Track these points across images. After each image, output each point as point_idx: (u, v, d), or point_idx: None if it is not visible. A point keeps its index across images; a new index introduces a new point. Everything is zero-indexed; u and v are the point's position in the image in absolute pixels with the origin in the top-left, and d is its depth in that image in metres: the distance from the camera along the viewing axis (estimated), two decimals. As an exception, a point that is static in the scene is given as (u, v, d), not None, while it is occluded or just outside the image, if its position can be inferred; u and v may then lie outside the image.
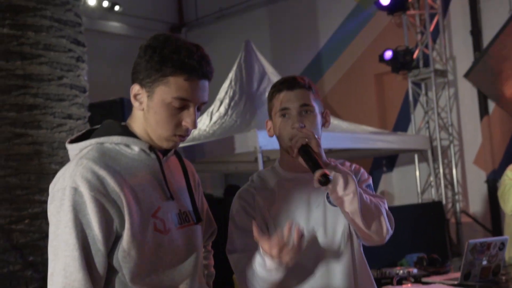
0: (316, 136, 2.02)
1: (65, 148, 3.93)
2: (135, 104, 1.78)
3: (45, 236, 3.79)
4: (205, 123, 7.51)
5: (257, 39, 9.00)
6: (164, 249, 1.74)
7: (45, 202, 3.81)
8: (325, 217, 2.11)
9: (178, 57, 1.69)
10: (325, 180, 1.85)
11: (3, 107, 3.91)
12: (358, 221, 1.96)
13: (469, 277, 3.55)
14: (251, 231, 2.01)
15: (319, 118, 2.16)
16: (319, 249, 2.11)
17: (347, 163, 2.24)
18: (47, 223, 3.83)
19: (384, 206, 2.10)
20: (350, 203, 1.94)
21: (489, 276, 3.61)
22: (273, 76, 7.80)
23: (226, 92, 7.74)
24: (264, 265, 1.87)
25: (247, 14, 11.14)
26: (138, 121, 1.80)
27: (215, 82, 7.36)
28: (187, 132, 1.77)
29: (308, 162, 1.94)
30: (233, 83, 7.80)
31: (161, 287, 1.74)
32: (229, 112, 7.46)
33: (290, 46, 10.49)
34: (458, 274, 3.66)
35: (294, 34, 10.50)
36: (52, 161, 4.02)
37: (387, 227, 2.04)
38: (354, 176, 2.01)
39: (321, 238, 2.11)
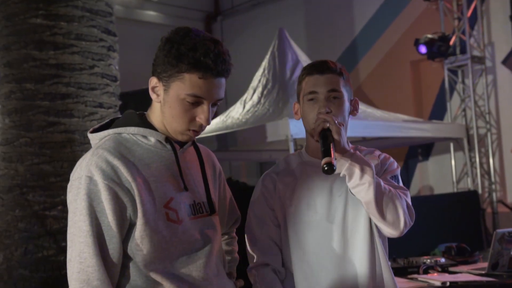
0: (339, 123, 1.98)
1: None
2: (153, 96, 1.80)
3: None
4: (238, 112, 7.56)
5: (291, 27, 9.02)
6: (177, 239, 1.76)
7: None
8: (346, 206, 2.08)
9: (194, 54, 1.69)
10: (328, 168, 1.83)
11: (37, 96, 3.96)
12: (373, 211, 1.95)
13: (497, 267, 3.50)
14: (268, 222, 2.07)
15: (347, 105, 2.13)
16: (339, 238, 2.09)
17: (377, 152, 2.22)
18: None
19: (405, 198, 2.06)
20: (366, 193, 1.92)
21: None
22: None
23: (259, 81, 7.75)
24: None
25: (282, 1, 11.13)
26: (156, 112, 1.83)
27: (249, 70, 7.47)
28: (200, 127, 1.79)
29: (321, 148, 1.91)
30: (266, 71, 7.78)
31: (174, 274, 1.76)
32: (262, 101, 7.47)
33: (325, 34, 10.47)
34: (486, 264, 3.61)
35: (329, 21, 10.48)
36: (84, 149, 3.99)
37: (405, 219, 1.99)
38: (373, 166, 1.98)
39: (341, 227, 2.09)
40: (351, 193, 2.03)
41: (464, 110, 8.65)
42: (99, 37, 4.18)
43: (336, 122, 1.97)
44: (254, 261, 2.11)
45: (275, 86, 7.52)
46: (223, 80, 1.77)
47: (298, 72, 7.61)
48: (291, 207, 2.12)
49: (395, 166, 2.20)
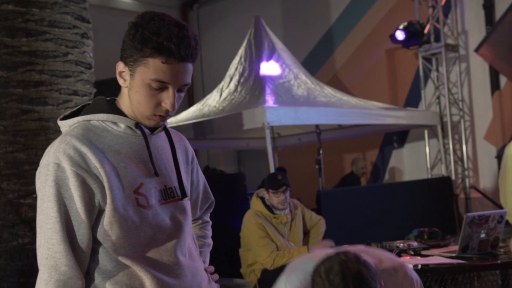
0: None
1: None
2: (120, 81, 1.78)
3: None
4: (215, 100, 7.54)
5: (268, 15, 9.01)
6: (147, 224, 1.75)
7: None
8: None
9: (157, 39, 1.67)
10: None
11: (10, 83, 3.94)
12: None
13: (467, 249, 3.57)
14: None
15: None
16: None
17: (402, 274, 2.23)
18: None
19: None
20: None
21: (488, 248, 3.62)
22: (283, 52, 7.85)
23: (236, 69, 7.75)
24: None
25: (258, -11, 11.18)
26: (124, 98, 1.81)
27: (226, 58, 7.48)
28: (167, 113, 1.77)
29: None
30: (243, 59, 7.78)
31: (145, 258, 1.76)
32: (239, 89, 7.47)
33: (301, 22, 10.49)
34: (457, 247, 3.68)
35: (305, 10, 10.48)
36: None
37: None
38: None
39: None
40: None
41: (438, 97, 8.75)
42: (72, 24, 4.15)
43: None
44: None
45: (251, 74, 7.52)
46: (188, 65, 1.74)
47: (274, 59, 7.66)
48: None
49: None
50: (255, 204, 5.04)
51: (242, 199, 6.62)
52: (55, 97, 4.01)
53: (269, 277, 4.57)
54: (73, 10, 4.14)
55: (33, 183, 3.75)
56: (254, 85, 7.36)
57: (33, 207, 3.85)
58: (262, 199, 5.02)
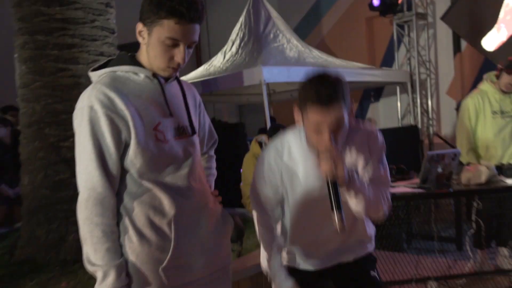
0: (339, 157, 1.84)
1: None
2: (139, 39, 1.79)
3: None
4: (219, 61, 7.55)
5: None
6: (165, 154, 1.79)
7: None
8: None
9: (171, 3, 1.68)
10: (342, 230, 1.80)
11: (47, 46, 3.95)
12: (362, 212, 2.00)
13: (426, 181, 3.64)
14: (272, 186, 2.10)
15: (347, 119, 1.91)
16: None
17: (369, 129, 2.11)
18: None
19: (386, 193, 2.05)
20: (356, 206, 1.95)
21: (443, 180, 3.67)
22: (277, 20, 7.82)
23: (237, 34, 7.72)
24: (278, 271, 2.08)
25: (256, -34, 11.04)
26: (143, 53, 1.81)
27: (228, 26, 7.43)
28: (178, 65, 1.78)
29: (332, 197, 1.82)
30: (243, 26, 7.75)
31: (163, 182, 1.79)
32: (240, 51, 7.46)
33: None
34: (418, 180, 3.75)
35: None
36: None
37: (383, 213, 2.03)
38: (365, 186, 1.94)
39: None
40: None
41: (409, 59, 8.70)
42: None
43: (340, 164, 1.82)
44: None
45: (250, 39, 7.51)
46: (196, 25, 1.76)
47: (270, 26, 7.65)
48: (293, 187, 2.09)
49: (381, 146, 2.10)
50: (254, 147, 5.16)
51: (242, 144, 6.73)
52: (85, 57, 4.03)
53: None
54: None
55: (70, 129, 3.84)
56: (253, 48, 7.35)
57: (70, 148, 3.92)
58: (260, 143, 5.14)
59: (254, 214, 2.24)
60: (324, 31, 9.95)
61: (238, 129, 7.07)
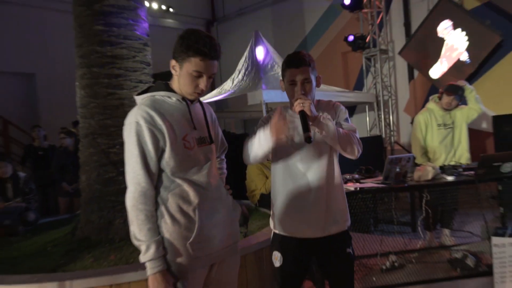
0: (307, 100, 1.94)
1: None
2: (172, 71, 1.82)
3: None
4: (229, 85, 7.55)
5: (263, 30, 8.95)
6: (190, 158, 1.81)
7: None
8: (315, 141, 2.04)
9: (197, 46, 1.72)
10: (308, 140, 1.88)
11: (100, 76, 3.92)
12: (337, 147, 2.02)
13: (387, 178, 3.66)
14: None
15: (314, 84, 2.08)
16: (308, 154, 2.09)
17: (331, 102, 2.20)
18: None
19: (355, 135, 2.07)
20: (331, 140, 1.99)
21: (400, 178, 3.69)
22: (274, 54, 7.80)
23: (243, 65, 7.74)
24: (265, 131, 1.95)
25: (257, 12, 11.02)
26: (175, 82, 1.84)
27: (236, 58, 7.48)
28: (202, 91, 1.80)
29: (302, 122, 1.93)
30: (247, 58, 7.78)
31: (189, 179, 1.80)
32: (244, 78, 7.47)
33: (285, 34, 10.39)
34: (381, 178, 3.78)
35: (288, 26, 10.40)
36: (131, 110, 4.03)
37: (357, 149, 2.04)
38: (332, 121, 1.98)
39: (308, 150, 2.10)
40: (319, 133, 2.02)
41: (375, 84, 8.71)
42: (138, 37, 4.09)
43: (307, 101, 1.94)
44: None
45: (253, 69, 7.54)
46: (215, 62, 1.78)
47: (268, 59, 7.62)
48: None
49: (344, 111, 2.18)
50: None
51: (230, 155, 6.74)
52: (128, 84, 4.01)
53: (264, 198, 4.73)
54: (138, 28, 4.08)
55: (116, 139, 3.91)
56: (255, 76, 7.39)
57: (117, 154, 3.92)
58: None
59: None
60: None
61: (243, 138, 7.05)
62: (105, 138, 3.94)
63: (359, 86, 9.14)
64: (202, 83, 1.78)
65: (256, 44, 7.82)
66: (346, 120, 2.17)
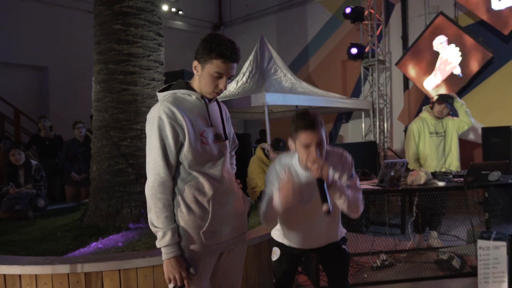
0: (324, 164, 1.89)
1: (151, 98, 4.10)
2: (194, 71, 1.82)
3: (138, 149, 3.97)
4: (234, 87, 7.58)
5: (268, 35, 9.04)
6: (206, 153, 1.82)
7: (139, 129, 4.00)
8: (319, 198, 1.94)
9: (219, 48, 1.73)
10: (327, 214, 1.82)
11: (116, 72, 3.95)
12: (345, 210, 2.03)
13: (383, 181, 3.72)
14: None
15: (325, 142, 2.00)
16: (312, 211, 2.10)
17: (340, 153, 2.12)
18: (140, 141, 4.03)
19: (359, 196, 2.05)
20: (342, 205, 1.99)
21: (395, 181, 3.74)
22: (277, 59, 7.89)
23: (247, 68, 7.78)
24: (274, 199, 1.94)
25: (262, 18, 11.08)
26: (196, 81, 1.85)
27: (241, 62, 7.51)
28: (221, 91, 1.83)
29: (320, 191, 1.86)
30: (251, 62, 7.82)
31: (205, 172, 1.82)
32: (248, 81, 7.51)
33: (288, 40, 10.44)
34: (377, 180, 3.83)
35: (291, 33, 10.44)
36: (143, 105, 4.02)
37: (360, 211, 2.04)
38: (346, 190, 1.95)
39: (313, 205, 2.07)
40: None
41: (371, 92, 8.76)
42: (153, 37, 4.13)
43: (325, 167, 1.88)
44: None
45: (257, 72, 7.58)
46: (235, 64, 1.80)
47: (271, 63, 7.66)
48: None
49: (351, 164, 2.12)
50: (258, 152, 5.20)
51: (248, 149, 6.81)
52: (142, 81, 4.02)
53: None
54: (154, 29, 4.14)
55: (128, 132, 3.96)
56: (258, 79, 7.43)
57: (127, 146, 3.95)
58: (263, 149, 5.19)
59: (263, 199, 2.21)
60: (310, 69, 10.04)
61: (246, 138, 7.12)
62: (117, 131, 3.96)
63: (356, 93, 9.18)
64: (222, 83, 1.81)
65: (261, 48, 7.86)
66: (351, 176, 2.11)
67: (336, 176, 2.02)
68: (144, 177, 4.00)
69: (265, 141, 6.31)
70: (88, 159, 5.98)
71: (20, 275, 2.74)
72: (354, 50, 8.40)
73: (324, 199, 1.83)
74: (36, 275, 2.72)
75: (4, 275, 2.74)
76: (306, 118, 1.97)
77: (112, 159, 3.96)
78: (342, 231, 2.33)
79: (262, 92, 6.44)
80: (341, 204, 1.98)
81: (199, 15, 11.88)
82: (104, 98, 4.01)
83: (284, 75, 7.64)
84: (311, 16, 10.06)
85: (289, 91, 7.13)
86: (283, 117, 9.08)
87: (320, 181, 1.87)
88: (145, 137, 4.18)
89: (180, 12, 10.93)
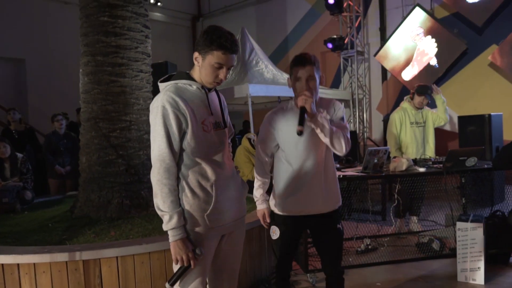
0: (309, 97, 2.04)
1: (139, 89, 4.13)
2: (195, 62, 1.86)
3: (128, 140, 3.96)
4: None
5: (248, 26, 9.02)
6: (208, 140, 1.88)
7: (128, 120, 4.02)
8: (313, 131, 2.17)
9: (220, 40, 1.79)
10: (299, 134, 2.02)
11: (104, 64, 3.93)
12: (328, 144, 2.13)
13: (366, 168, 3.87)
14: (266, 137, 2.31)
15: (317, 81, 2.17)
16: (307, 144, 2.22)
17: (333, 100, 2.29)
18: (129, 132, 4.04)
19: (346, 134, 2.15)
20: (324, 137, 2.11)
21: (378, 168, 3.89)
22: (258, 50, 7.93)
23: None
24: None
25: (242, 10, 11.12)
26: (196, 72, 1.90)
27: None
28: (221, 81, 1.88)
29: (299, 117, 2.05)
30: None
31: (207, 158, 1.89)
32: (231, 72, 7.51)
33: (268, 32, 10.51)
34: (361, 168, 3.98)
35: (271, 24, 10.52)
36: (132, 97, 4.00)
37: (345, 147, 2.14)
38: (328, 121, 2.08)
39: (309, 144, 2.23)
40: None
41: (351, 83, 8.94)
42: (140, 29, 4.10)
43: (309, 99, 2.04)
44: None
45: (238, 64, 7.61)
46: (235, 55, 1.85)
47: (253, 55, 7.67)
48: (282, 132, 2.26)
49: (342, 110, 2.27)
50: (244, 142, 5.27)
51: (232, 140, 6.86)
52: (130, 73, 4.01)
53: (250, 185, 4.93)
54: (141, 21, 4.11)
55: (117, 123, 3.98)
56: (240, 70, 7.47)
57: (117, 137, 3.95)
58: (249, 139, 5.27)
59: (256, 154, 2.39)
60: (290, 60, 9.99)
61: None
62: (106, 123, 3.96)
63: (336, 84, 9.34)
64: (222, 74, 1.86)
65: (242, 40, 7.87)
66: (342, 119, 2.26)
67: (326, 114, 2.14)
68: (133, 168, 4.06)
69: (249, 132, 6.39)
70: (70, 152, 5.98)
71: (18, 264, 2.77)
72: (329, 45, 8.54)
73: (300, 123, 2.02)
74: (34, 263, 2.76)
75: (2, 264, 2.77)
76: (299, 56, 2.18)
77: (102, 150, 3.96)
78: (339, 198, 2.37)
79: (245, 83, 6.51)
80: (323, 137, 2.12)
81: (178, 7, 11.82)
82: (92, 90, 3.99)
83: (266, 67, 7.69)
84: (290, 7, 10.15)
85: (271, 82, 7.21)
86: (264, 108, 9.17)
87: (302, 109, 2.05)
88: (134, 128, 4.19)
89: (159, 4, 10.85)
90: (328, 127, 2.09)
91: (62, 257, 2.78)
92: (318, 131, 2.10)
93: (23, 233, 3.60)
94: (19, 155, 5.00)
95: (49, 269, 2.77)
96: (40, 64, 8.91)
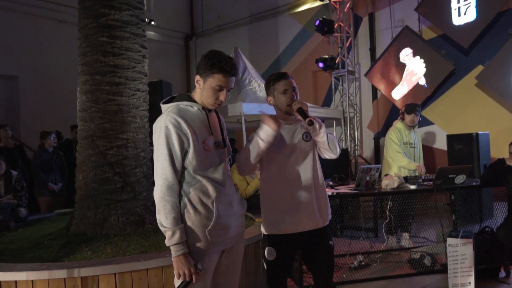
0: (304, 103, 2.19)
1: (136, 108, 4.21)
2: (196, 85, 1.94)
3: (124, 158, 4.02)
4: None
5: (240, 46, 9.13)
6: (209, 159, 1.94)
7: (125, 138, 4.09)
8: (300, 146, 2.29)
9: (221, 64, 1.88)
10: (311, 123, 2.13)
11: (102, 83, 4.00)
12: (325, 145, 2.24)
13: (359, 186, 3.94)
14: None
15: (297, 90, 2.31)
16: (296, 161, 2.28)
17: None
18: (126, 150, 4.10)
19: (337, 140, 2.35)
20: (322, 136, 2.22)
21: (370, 185, 3.96)
22: (251, 70, 7.96)
23: None
24: (262, 129, 2.16)
25: (234, 30, 11.25)
26: (197, 94, 1.98)
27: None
28: (221, 102, 1.96)
29: (302, 115, 2.16)
30: None
31: (207, 176, 1.94)
32: None
33: (261, 51, 10.64)
34: (353, 185, 4.04)
35: (263, 44, 10.66)
36: (129, 115, 4.07)
37: (338, 149, 2.29)
38: (320, 122, 2.25)
39: (298, 156, 2.29)
40: (303, 140, 2.29)
41: (342, 102, 9.04)
42: (138, 49, 4.19)
43: (305, 103, 2.21)
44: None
45: (232, 83, 7.71)
46: (234, 78, 1.95)
47: (246, 74, 7.72)
48: (270, 152, 2.27)
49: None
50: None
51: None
52: (127, 92, 4.07)
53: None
54: (138, 42, 4.19)
55: (114, 141, 4.06)
56: (234, 89, 7.41)
57: (114, 155, 4.00)
58: None
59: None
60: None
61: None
62: (104, 141, 4.02)
63: (327, 102, 9.46)
64: (222, 95, 1.95)
65: (235, 59, 7.85)
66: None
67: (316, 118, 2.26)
68: (129, 185, 4.12)
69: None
70: (60, 169, 5.98)
71: (16, 281, 2.80)
72: (320, 65, 8.69)
73: (305, 118, 2.14)
74: (32, 280, 2.80)
75: (0, 282, 2.79)
76: (278, 72, 2.35)
77: (99, 168, 4.01)
78: (329, 210, 2.41)
79: (238, 102, 6.59)
80: (321, 138, 2.24)
81: (171, 26, 11.97)
82: (90, 108, 4.06)
83: (259, 85, 7.74)
84: (283, 27, 10.33)
85: (264, 101, 7.02)
86: (257, 126, 9.23)
87: (300, 109, 2.18)
88: (131, 146, 4.25)
89: (153, 23, 10.99)
90: (324, 129, 2.24)
91: (60, 273, 2.82)
92: (317, 133, 2.21)
93: (19, 251, 3.62)
94: (14, 172, 5.02)
95: (47, 286, 2.81)
96: (33, 81, 8.96)
